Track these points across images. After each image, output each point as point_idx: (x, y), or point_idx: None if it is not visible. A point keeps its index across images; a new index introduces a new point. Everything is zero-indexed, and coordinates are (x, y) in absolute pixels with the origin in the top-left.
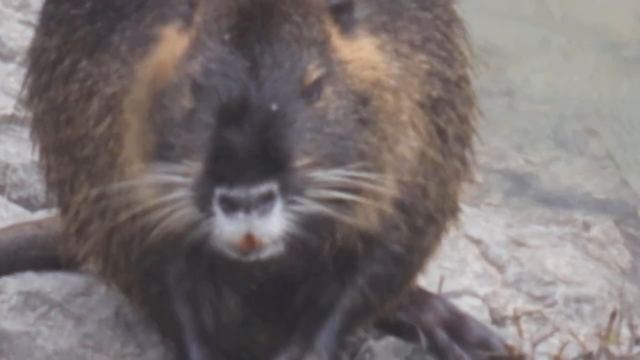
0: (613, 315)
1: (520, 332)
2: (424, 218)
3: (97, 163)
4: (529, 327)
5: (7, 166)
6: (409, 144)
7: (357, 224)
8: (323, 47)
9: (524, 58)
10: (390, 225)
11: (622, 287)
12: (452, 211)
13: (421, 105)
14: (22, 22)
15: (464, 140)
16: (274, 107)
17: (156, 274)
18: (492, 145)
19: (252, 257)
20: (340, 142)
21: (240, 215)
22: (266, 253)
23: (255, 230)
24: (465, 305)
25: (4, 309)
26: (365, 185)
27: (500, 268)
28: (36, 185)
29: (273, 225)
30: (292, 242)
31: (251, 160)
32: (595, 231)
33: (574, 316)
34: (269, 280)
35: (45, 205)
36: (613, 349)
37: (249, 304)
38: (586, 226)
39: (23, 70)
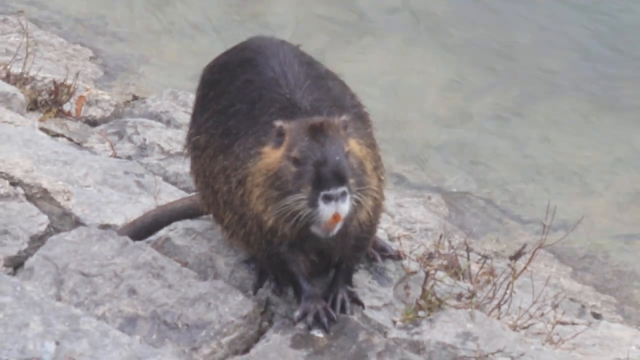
0: (440, 236)
1: (400, 244)
2: (378, 209)
3: (233, 203)
4: (405, 242)
5: (179, 174)
6: (375, 183)
7: (361, 216)
8: (345, 141)
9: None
10: (370, 213)
11: (445, 224)
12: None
13: (372, 169)
14: (184, 111)
15: (382, 178)
16: (338, 158)
17: (275, 251)
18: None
19: (331, 234)
20: (360, 178)
21: (333, 203)
22: (336, 228)
23: (339, 210)
24: (379, 233)
25: (177, 235)
26: (370, 196)
27: (392, 216)
28: (190, 181)
29: (346, 207)
30: (344, 225)
31: (335, 178)
32: (433, 200)
33: (424, 237)
34: (323, 251)
35: (194, 191)
36: (441, 251)
37: (313, 262)
38: (429, 198)
39: (183, 131)
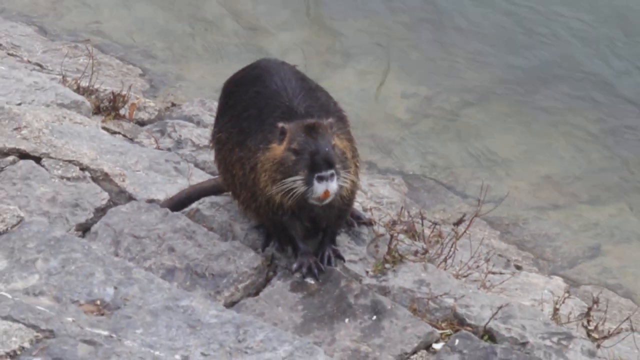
0: (402, 208)
1: (372, 214)
2: (355, 188)
3: (247, 184)
4: (375, 212)
5: (206, 162)
6: (353, 168)
7: (343, 193)
8: (332, 137)
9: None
10: (349, 190)
11: (404, 199)
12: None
13: (351, 157)
14: (210, 115)
15: (358, 165)
16: (327, 149)
17: (278, 219)
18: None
19: (324, 203)
20: (343, 164)
21: (324, 182)
22: (328, 200)
23: (329, 187)
24: (356, 206)
25: (205, 207)
26: (350, 177)
27: (365, 192)
28: (214, 167)
29: (334, 185)
30: (333, 199)
31: (325, 164)
32: (396, 181)
33: (389, 209)
34: (314, 219)
35: (217, 174)
36: (402, 219)
37: (306, 227)
38: (393, 179)
39: (209, 129)
